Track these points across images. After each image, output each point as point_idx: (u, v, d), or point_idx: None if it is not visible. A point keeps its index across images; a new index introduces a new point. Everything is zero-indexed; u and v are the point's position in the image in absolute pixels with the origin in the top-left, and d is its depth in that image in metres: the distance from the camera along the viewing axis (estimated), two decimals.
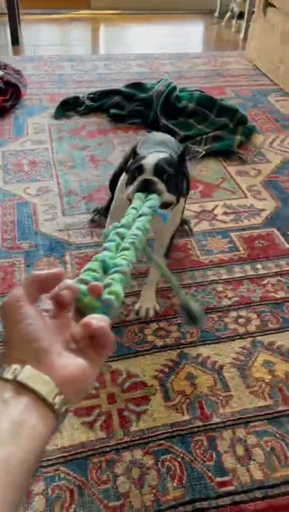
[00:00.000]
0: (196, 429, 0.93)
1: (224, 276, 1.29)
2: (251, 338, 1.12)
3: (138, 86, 2.24)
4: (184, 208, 1.22)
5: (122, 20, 3.64)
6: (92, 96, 2.20)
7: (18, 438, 0.33)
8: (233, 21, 3.48)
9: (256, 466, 0.87)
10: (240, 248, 1.39)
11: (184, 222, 1.41)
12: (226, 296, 1.23)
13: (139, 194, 0.86)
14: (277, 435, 0.93)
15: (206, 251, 1.37)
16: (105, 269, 0.50)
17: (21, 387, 0.35)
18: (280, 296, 1.24)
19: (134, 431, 0.92)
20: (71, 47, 3.11)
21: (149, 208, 0.78)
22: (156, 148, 1.09)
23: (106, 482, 0.84)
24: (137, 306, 1.17)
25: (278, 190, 1.67)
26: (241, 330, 1.14)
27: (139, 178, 0.93)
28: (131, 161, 1.02)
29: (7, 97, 2.08)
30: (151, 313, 1.16)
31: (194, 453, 0.89)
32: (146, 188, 0.90)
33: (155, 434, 0.91)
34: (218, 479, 0.85)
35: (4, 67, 2.28)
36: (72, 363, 0.38)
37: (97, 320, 0.41)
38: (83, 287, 0.44)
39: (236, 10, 3.42)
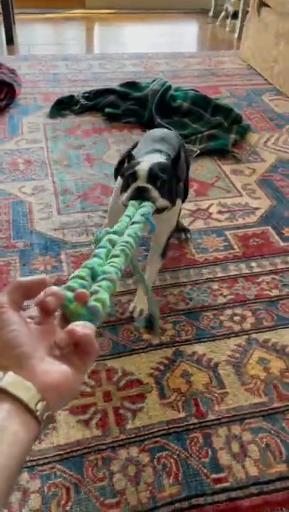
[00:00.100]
0: (191, 427, 0.93)
1: (219, 275, 1.29)
2: (246, 336, 1.12)
3: (133, 85, 2.24)
4: (180, 209, 1.22)
5: (117, 19, 3.64)
6: (87, 95, 2.20)
7: None
8: (228, 21, 3.50)
9: (251, 463, 0.88)
10: (235, 246, 1.40)
11: (183, 230, 1.41)
12: (221, 294, 1.23)
13: (133, 202, 0.86)
14: (272, 432, 0.93)
15: (201, 249, 1.38)
16: (94, 276, 0.50)
17: (3, 393, 0.35)
18: (274, 294, 1.25)
19: (130, 428, 0.92)
20: (66, 46, 3.11)
21: (142, 215, 0.78)
22: (154, 147, 1.08)
23: (102, 479, 0.84)
24: (131, 307, 1.17)
25: (273, 189, 1.68)
26: (236, 327, 1.15)
27: (133, 186, 0.92)
28: (126, 165, 1.02)
29: (2, 96, 2.08)
30: (145, 314, 1.15)
31: (190, 450, 0.89)
32: (140, 195, 0.89)
33: (151, 431, 0.92)
34: (214, 476, 0.86)
35: None
36: (55, 369, 0.38)
37: (82, 327, 0.41)
38: (69, 294, 0.44)
39: (230, 9, 3.44)
